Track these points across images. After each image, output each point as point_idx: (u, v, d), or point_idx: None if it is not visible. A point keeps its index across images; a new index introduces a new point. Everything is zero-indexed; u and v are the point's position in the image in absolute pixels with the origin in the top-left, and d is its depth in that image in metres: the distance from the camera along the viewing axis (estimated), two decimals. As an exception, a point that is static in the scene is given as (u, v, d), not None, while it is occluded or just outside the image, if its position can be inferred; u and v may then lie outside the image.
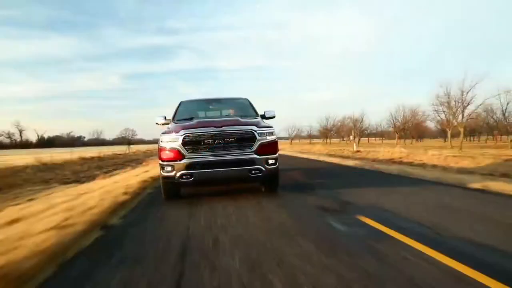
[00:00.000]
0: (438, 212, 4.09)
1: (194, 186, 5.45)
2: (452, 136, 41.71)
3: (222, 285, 2.18)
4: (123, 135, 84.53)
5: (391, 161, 12.46)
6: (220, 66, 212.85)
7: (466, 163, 9.92)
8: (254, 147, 4.81)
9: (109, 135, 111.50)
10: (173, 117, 6.21)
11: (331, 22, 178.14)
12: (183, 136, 4.79)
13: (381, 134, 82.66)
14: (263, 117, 6.21)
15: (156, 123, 6.20)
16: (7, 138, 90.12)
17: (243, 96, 6.94)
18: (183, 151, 4.78)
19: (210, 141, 4.78)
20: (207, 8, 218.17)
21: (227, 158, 4.77)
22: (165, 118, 6.19)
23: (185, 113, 6.27)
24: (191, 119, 5.64)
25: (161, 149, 4.95)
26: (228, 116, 6.33)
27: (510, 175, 7.06)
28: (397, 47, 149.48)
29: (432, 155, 13.00)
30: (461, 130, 36.28)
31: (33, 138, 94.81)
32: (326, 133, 75.26)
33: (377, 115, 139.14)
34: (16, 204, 5.32)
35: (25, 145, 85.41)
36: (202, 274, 2.36)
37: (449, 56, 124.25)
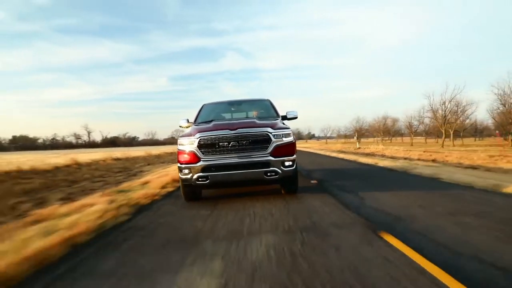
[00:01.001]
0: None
1: (211, 188, 5.51)
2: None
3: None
4: (173, 136, 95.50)
5: (371, 155, 19.26)
6: (263, 66, 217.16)
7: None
8: (269, 149, 4.76)
9: (161, 136, 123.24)
10: (195, 120, 6.32)
11: (375, 19, 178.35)
12: (198, 139, 4.84)
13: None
14: (284, 118, 6.25)
15: (180, 126, 6.35)
16: (77, 138, 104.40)
17: (266, 98, 6.93)
18: (199, 153, 4.82)
19: (225, 143, 4.78)
20: (251, 9, 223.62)
21: (242, 161, 4.75)
22: (187, 121, 6.37)
23: (206, 115, 6.43)
24: (210, 121, 5.71)
25: (179, 152, 5.03)
26: (247, 118, 6.40)
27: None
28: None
29: (396, 150, 19.72)
30: (443, 131, 43.01)
31: (98, 139, 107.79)
32: (358, 132, 79.33)
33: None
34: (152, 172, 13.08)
35: (93, 145, 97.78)
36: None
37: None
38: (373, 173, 9.14)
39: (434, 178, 7.08)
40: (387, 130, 72.04)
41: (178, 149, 5.02)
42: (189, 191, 5.32)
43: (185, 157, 4.92)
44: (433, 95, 43.25)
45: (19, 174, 9.11)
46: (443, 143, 42.15)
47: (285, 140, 4.87)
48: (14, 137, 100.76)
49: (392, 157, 15.03)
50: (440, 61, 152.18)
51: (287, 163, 4.81)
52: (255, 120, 5.40)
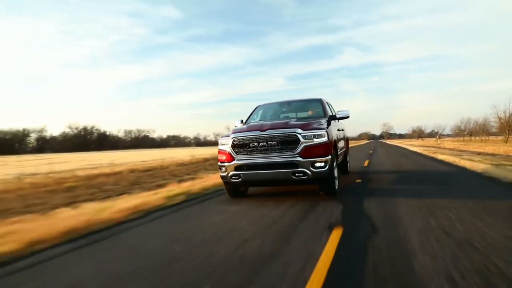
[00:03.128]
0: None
1: (245, 186, 5.67)
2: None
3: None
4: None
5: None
6: (384, 60, 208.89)
7: None
8: (298, 150, 4.76)
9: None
10: (246, 121, 6.49)
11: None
12: (232, 139, 5.09)
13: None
14: (333, 118, 6.18)
15: (235, 126, 6.44)
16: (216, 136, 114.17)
17: (318, 97, 6.89)
18: (233, 153, 5.07)
19: (255, 144, 4.93)
20: (370, 1, 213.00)
21: (270, 160, 4.83)
22: (242, 121, 6.50)
23: (256, 116, 6.62)
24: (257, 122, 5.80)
25: (218, 151, 5.32)
26: (292, 118, 6.30)
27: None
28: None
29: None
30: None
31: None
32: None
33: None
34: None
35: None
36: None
37: None
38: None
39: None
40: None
41: (218, 149, 5.33)
42: (231, 188, 5.61)
43: (222, 156, 5.25)
44: None
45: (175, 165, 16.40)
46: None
47: (316, 141, 4.81)
48: (168, 136, 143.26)
49: None
50: None
51: (318, 164, 4.73)
52: (289, 121, 5.41)
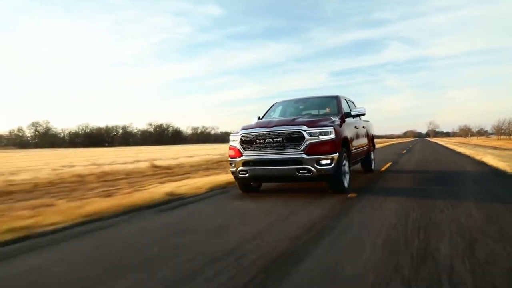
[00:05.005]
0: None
1: (252, 181, 5.72)
2: None
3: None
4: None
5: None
6: (433, 54, 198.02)
7: None
8: (302, 147, 4.84)
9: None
10: (262, 117, 6.65)
11: None
12: (240, 135, 5.31)
13: None
14: (348, 115, 6.19)
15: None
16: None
17: (335, 94, 6.71)
18: (241, 149, 5.29)
19: (262, 140, 5.08)
20: None
21: (275, 157, 4.98)
22: (259, 118, 6.63)
23: (273, 113, 6.76)
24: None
25: (229, 147, 5.56)
26: (306, 115, 6.20)
27: None
28: None
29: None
30: None
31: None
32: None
33: None
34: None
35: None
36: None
37: None
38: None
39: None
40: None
41: (229, 145, 5.56)
42: (241, 183, 5.74)
43: (231, 152, 5.49)
44: None
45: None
46: None
47: (322, 138, 4.84)
48: (221, 132, 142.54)
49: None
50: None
51: (323, 162, 4.78)
52: (296, 118, 5.45)
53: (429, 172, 8.23)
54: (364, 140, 7.50)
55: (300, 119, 5.28)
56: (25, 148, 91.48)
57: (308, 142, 4.84)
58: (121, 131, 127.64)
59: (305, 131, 4.87)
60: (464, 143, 36.99)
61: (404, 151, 19.72)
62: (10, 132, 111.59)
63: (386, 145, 35.57)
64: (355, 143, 6.44)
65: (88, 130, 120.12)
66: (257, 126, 5.35)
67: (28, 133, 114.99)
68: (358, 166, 8.01)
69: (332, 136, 4.92)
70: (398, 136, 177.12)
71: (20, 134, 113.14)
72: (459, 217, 3.48)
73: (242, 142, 5.30)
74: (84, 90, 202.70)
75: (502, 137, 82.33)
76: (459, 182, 6.30)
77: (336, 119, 5.54)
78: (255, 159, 5.15)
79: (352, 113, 6.38)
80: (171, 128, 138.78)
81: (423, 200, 4.51)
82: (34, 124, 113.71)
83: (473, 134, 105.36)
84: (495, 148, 23.30)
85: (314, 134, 4.86)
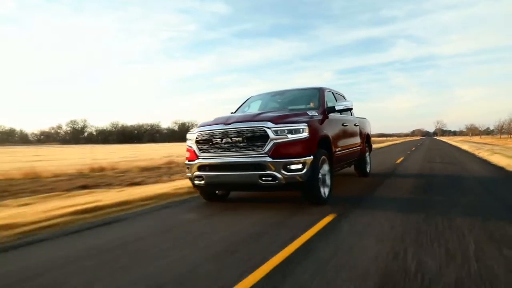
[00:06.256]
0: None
1: (210, 190, 4.84)
2: None
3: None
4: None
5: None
6: (441, 52, 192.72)
7: None
8: (266, 148, 3.98)
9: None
10: (234, 113, 5.74)
11: None
12: (196, 134, 4.49)
13: None
14: (331, 110, 5.20)
15: None
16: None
17: (319, 86, 5.78)
18: (197, 150, 4.46)
19: (218, 139, 4.26)
20: None
21: (234, 160, 4.14)
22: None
23: (247, 109, 5.94)
24: None
25: (186, 149, 4.73)
26: (280, 110, 5.13)
27: None
28: None
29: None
30: None
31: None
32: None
33: None
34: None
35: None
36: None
37: None
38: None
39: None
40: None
41: (186, 145, 4.73)
42: (202, 191, 4.89)
43: (188, 154, 4.66)
44: None
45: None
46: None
47: (291, 137, 3.98)
48: None
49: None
50: None
51: (293, 166, 3.91)
52: (261, 113, 4.59)
53: (436, 162, 11.06)
54: (355, 140, 6.54)
55: (266, 114, 4.42)
56: (66, 144, 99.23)
57: (273, 142, 3.98)
58: (149, 128, 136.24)
59: (269, 128, 4.01)
60: (465, 141, 44.41)
61: (413, 148, 23.48)
62: (49, 129, 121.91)
63: (394, 143, 40.93)
64: (342, 143, 5.57)
65: (120, 128, 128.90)
66: (214, 122, 4.50)
67: (63, 130, 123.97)
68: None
69: (305, 134, 4.07)
70: (406, 135, 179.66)
71: (58, 131, 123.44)
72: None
73: (197, 141, 4.49)
74: (111, 88, 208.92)
75: (502, 136, 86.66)
76: (451, 157, 13.81)
77: (314, 114, 4.70)
78: (211, 162, 4.32)
79: (337, 108, 5.27)
80: (194, 126, 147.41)
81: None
82: (72, 122, 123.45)
83: (479, 133, 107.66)
84: (485, 144, 28.77)
85: (282, 132, 4.01)
